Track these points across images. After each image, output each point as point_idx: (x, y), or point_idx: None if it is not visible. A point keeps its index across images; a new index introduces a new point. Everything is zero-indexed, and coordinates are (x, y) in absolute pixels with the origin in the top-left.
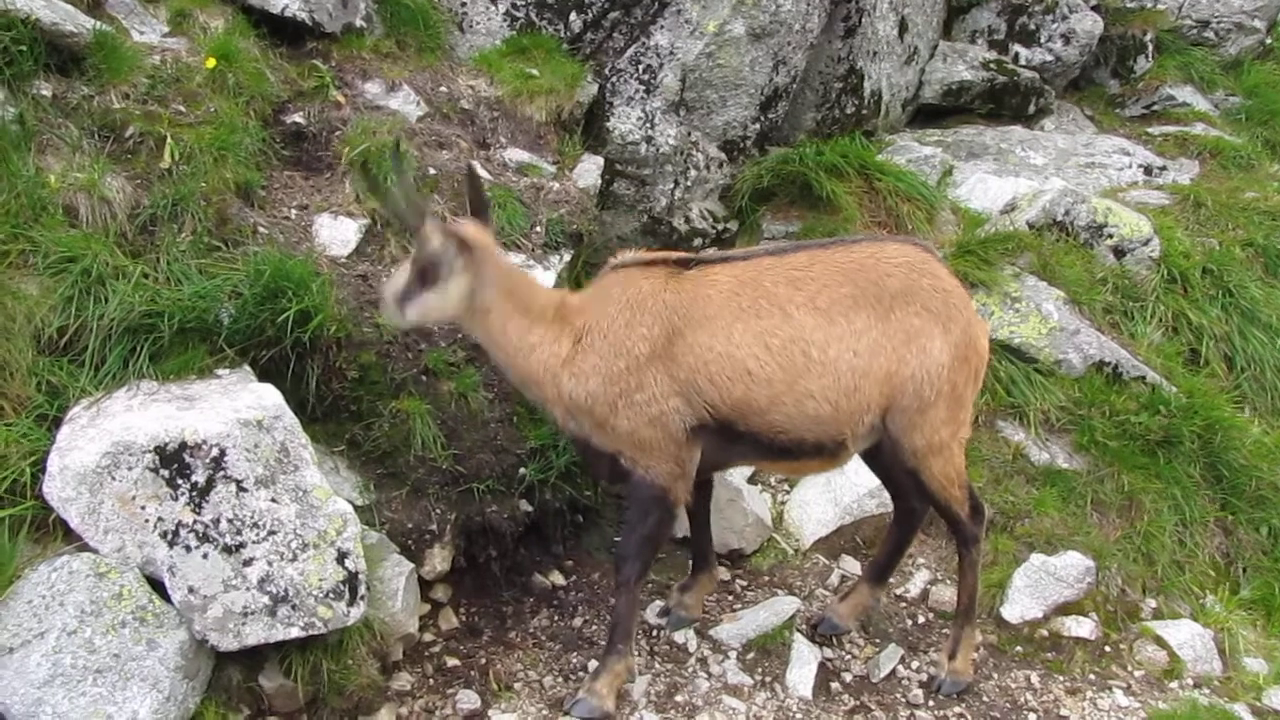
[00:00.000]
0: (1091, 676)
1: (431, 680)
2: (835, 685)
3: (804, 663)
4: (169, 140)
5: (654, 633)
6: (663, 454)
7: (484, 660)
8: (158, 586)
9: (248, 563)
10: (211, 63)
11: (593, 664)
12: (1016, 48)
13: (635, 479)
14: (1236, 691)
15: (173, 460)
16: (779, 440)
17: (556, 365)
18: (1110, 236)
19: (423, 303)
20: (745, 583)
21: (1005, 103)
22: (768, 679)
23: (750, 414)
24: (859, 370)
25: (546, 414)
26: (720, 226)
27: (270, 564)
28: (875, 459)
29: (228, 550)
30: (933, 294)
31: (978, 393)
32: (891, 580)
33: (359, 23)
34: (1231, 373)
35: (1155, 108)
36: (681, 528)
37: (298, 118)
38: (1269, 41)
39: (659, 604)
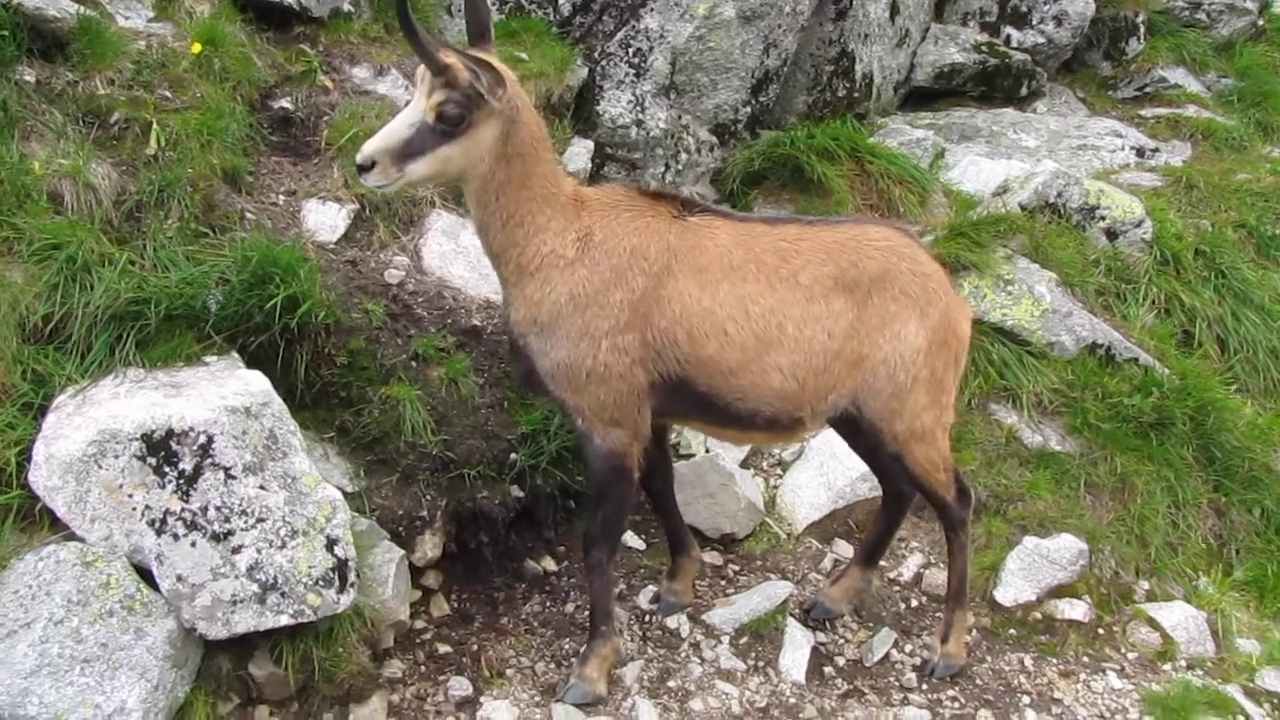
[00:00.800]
0: (1085, 659)
1: (423, 667)
2: (828, 669)
3: (797, 647)
4: (155, 126)
5: (646, 618)
6: (623, 412)
7: (475, 647)
8: (146, 575)
9: (236, 550)
10: (197, 48)
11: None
12: (1008, 30)
13: (594, 448)
14: (1229, 673)
15: (160, 448)
16: (734, 407)
17: (556, 261)
18: (1102, 219)
19: (436, 157)
20: (738, 567)
21: (997, 85)
22: (760, 663)
23: (716, 374)
24: (831, 352)
25: (504, 303)
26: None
27: (259, 551)
28: (859, 443)
29: (216, 538)
30: (911, 278)
31: (960, 377)
32: (884, 564)
33: (346, 7)
34: (1224, 354)
35: (1147, 90)
36: None
37: (285, 103)
38: (1261, 23)
39: (651, 589)
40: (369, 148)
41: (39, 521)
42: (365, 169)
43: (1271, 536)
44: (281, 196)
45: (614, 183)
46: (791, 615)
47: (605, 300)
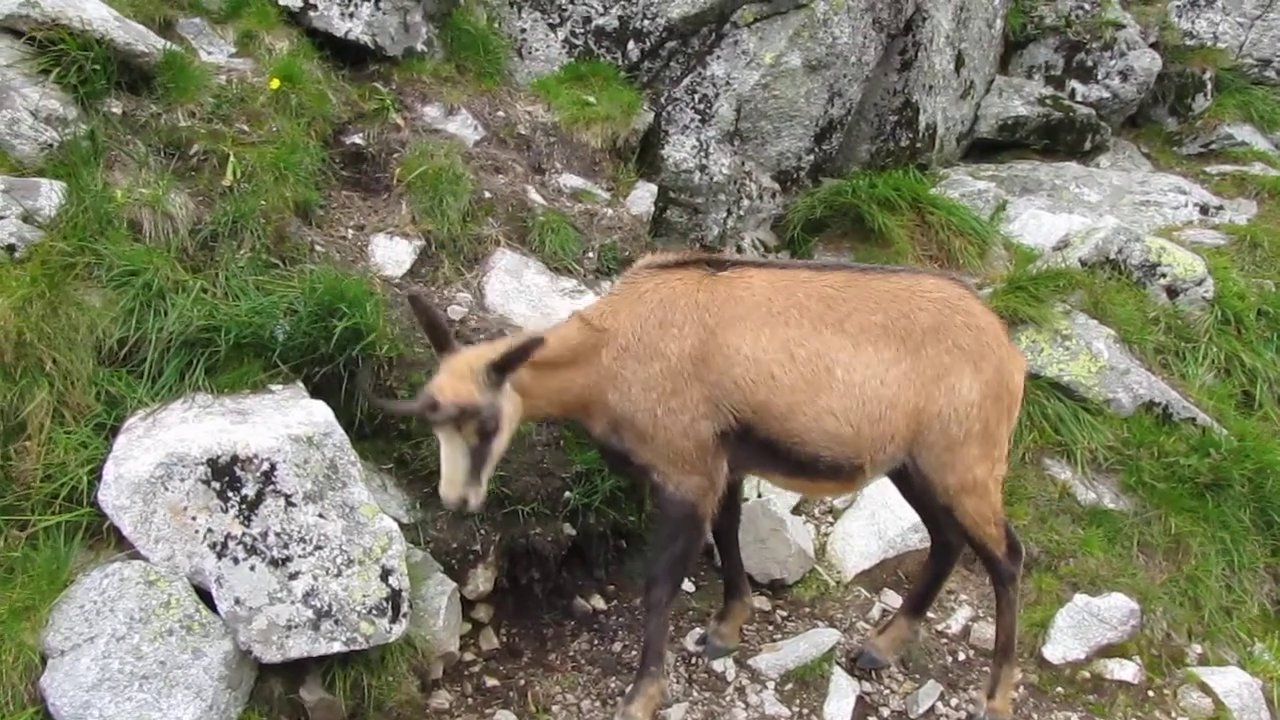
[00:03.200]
0: None
1: (470, 700)
2: (872, 719)
3: (842, 695)
4: (231, 158)
5: (692, 660)
6: (695, 465)
7: (523, 681)
8: (205, 596)
9: (293, 576)
10: (275, 83)
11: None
12: (1073, 84)
13: (666, 495)
14: None
15: (224, 473)
16: (795, 451)
17: (599, 385)
18: (1163, 276)
19: (495, 451)
20: (786, 613)
21: (1061, 139)
22: (805, 711)
23: (770, 419)
24: (885, 400)
25: (586, 427)
26: (772, 256)
27: (315, 578)
28: (910, 493)
29: (274, 563)
30: (965, 330)
31: (1013, 430)
32: (932, 616)
33: (420, 47)
34: None
35: (1213, 146)
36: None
37: (357, 139)
38: None
39: (698, 631)
40: (451, 494)
41: (106, 539)
42: (463, 506)
43: None
44: (350, 230)
45: (637, 264)
46: (838, 663)
47: (648, 374)
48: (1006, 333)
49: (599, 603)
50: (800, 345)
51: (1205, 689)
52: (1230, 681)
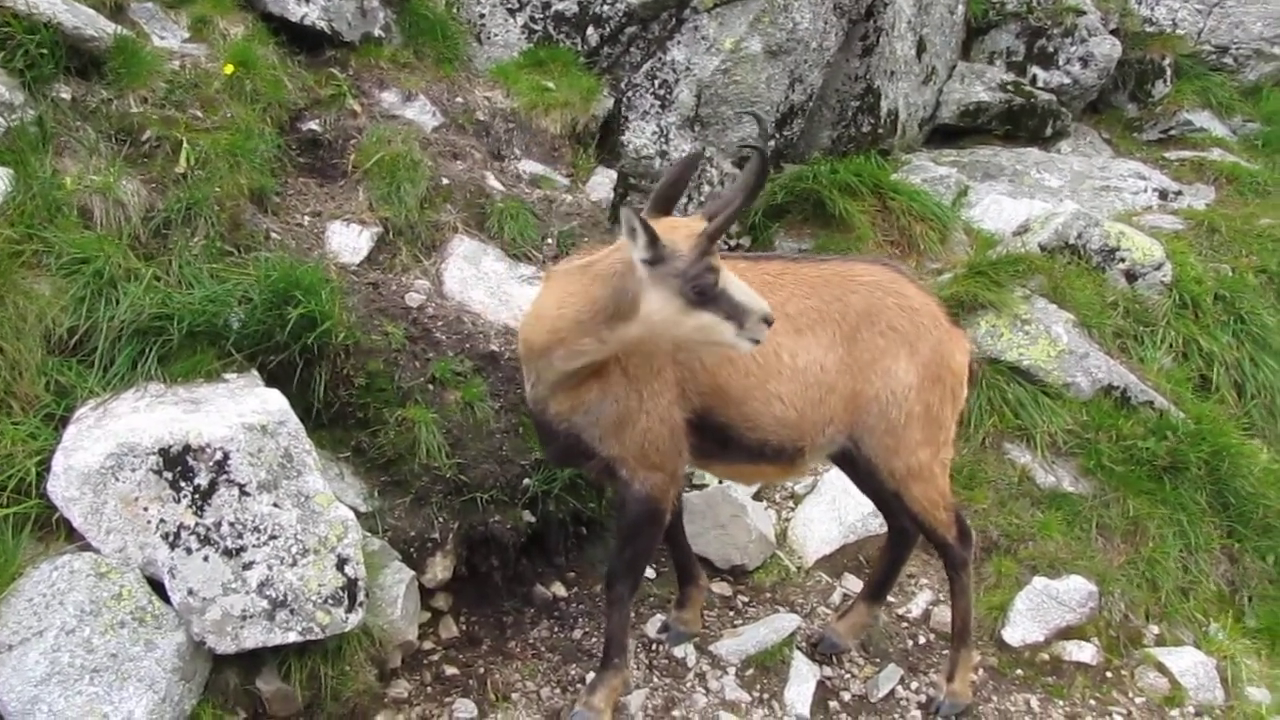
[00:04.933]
0: (1092, 702)
1: (429, 688)
2: (833, 704)
3: (802, 680)
4: (185, 145)
5: (653, 646)
6: (664, 457)
7: (483, 670)
8: (158, 588)
9: (248, 566)
10: (230, 69)
11: (590, 676)
12: (1035, 70)
13: (631, 492)
14: None
15: (176, 463)
16: (746, 436)
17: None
18: (1122, 260)
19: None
20: (747, 599)
21: (1022, 124)
22: (766, 696)
23: (728, 403)
24: (825, 385)
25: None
26: (733, 243)
27: (270, 568)
28: (859, 480)
29: (228, 553)
30: (898, 313)
31: (959, 412)
32: (893, 600)
33: (377, 32)
34: (1241, 400)
35: (1172, 132)
36: None
37: (314, 125)
38: None
39: (659, 618)
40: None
41: (55, 531)
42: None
43: None
44: (306, 217)
45: (590, 243)
46: (799, 648)
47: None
48: (945, 314)
49: (559, 590)
50: None
51: (1162, 669)
52: (1186, 661)
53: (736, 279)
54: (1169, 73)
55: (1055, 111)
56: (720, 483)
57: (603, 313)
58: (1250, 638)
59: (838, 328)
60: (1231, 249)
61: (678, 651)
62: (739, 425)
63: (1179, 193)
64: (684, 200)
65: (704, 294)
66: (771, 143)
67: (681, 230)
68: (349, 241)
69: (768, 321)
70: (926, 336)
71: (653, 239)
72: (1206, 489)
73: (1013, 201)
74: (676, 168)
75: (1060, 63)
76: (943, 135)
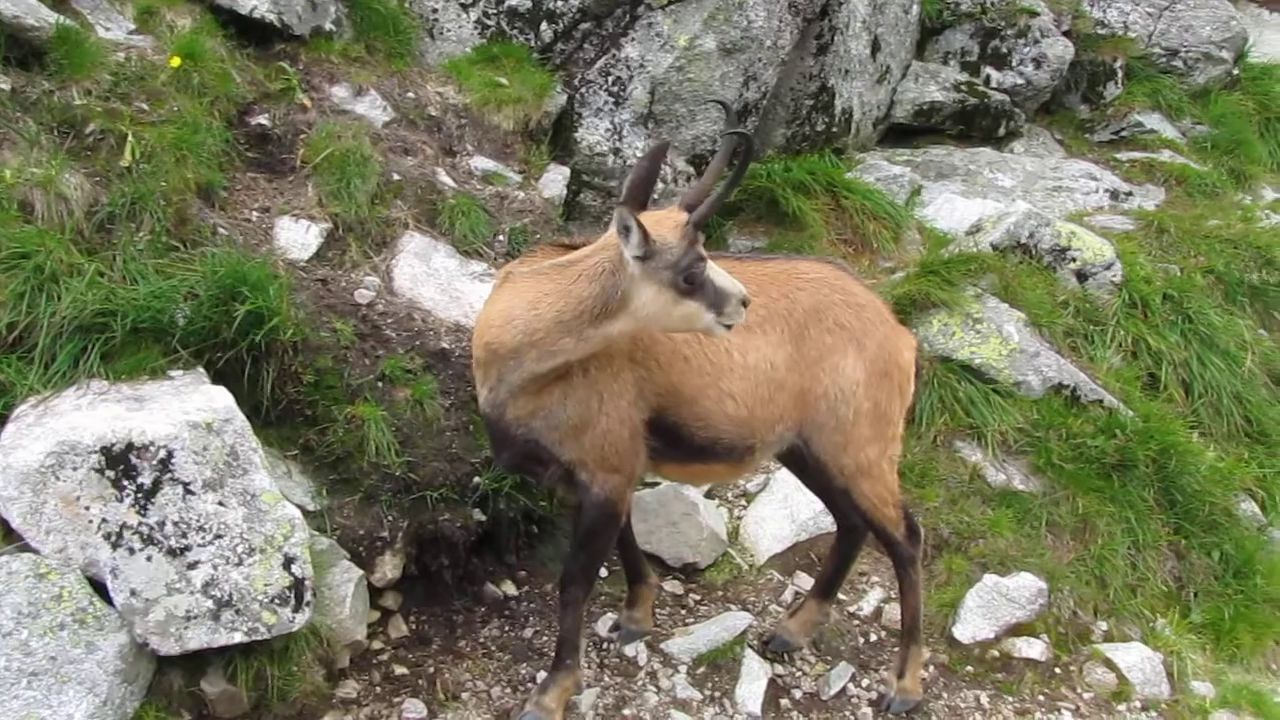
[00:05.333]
0: (1041, 698)
1: (378, 688)
2: (785, 702)
3: (754, 678)
4: (130, 138)
5: (604, 645)
6: (623, 459)
7: (432, 669)
8: (99, 589)
9: (192, 566)
10: (176, 61)
11: (541, 675)
12: (988, 70)
13: (591, 497)
14: (1183, 715)
15: (119, 461)
16: (699, 435)
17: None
18: (1073, 260)
19: None
20: (699, 597)
21: (976, 124)
22: (717, 694)
23: (681, 402)
24: (775, 382)
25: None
26: None
27: (215, 568)
28: (808, 479)
29: (172, 553)
30: (845, 309)
31: (906, 408)
32: (844, 598)
33: (328, 26)
34: (1189, 398)
35: (1124, 134)
36: (640, 542)
37: (263, 119)
38: (1235, 72)
39: (610, 617)
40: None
41: None
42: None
43: (1229, 580)
44: (255, 213)
45: (542, 243)
46: (750, 646)
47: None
48: (890, 311)
49: (510, 589)
50: None
51: (1110, 665)
52: (1133, 657)
53: (715, 265)
54: (1120, 75)
55: (1008, 112)
56: None
57: (589, 311)
58: (1196, 633)
59: (786, 325)
60: (1180, 249)
61: (629, 650)
62: (691, 424)
63: (1129, 193)
64: None
65: (692, 283)
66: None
67: (666, 223)
68: (298, 237)
69: (744, 304)
70: (873, 333)
71: (646, 236)
72: (1154, 486)
73: (965, 201)
74: (645, 161)
75: (1013, 63)
76: (897, 135)
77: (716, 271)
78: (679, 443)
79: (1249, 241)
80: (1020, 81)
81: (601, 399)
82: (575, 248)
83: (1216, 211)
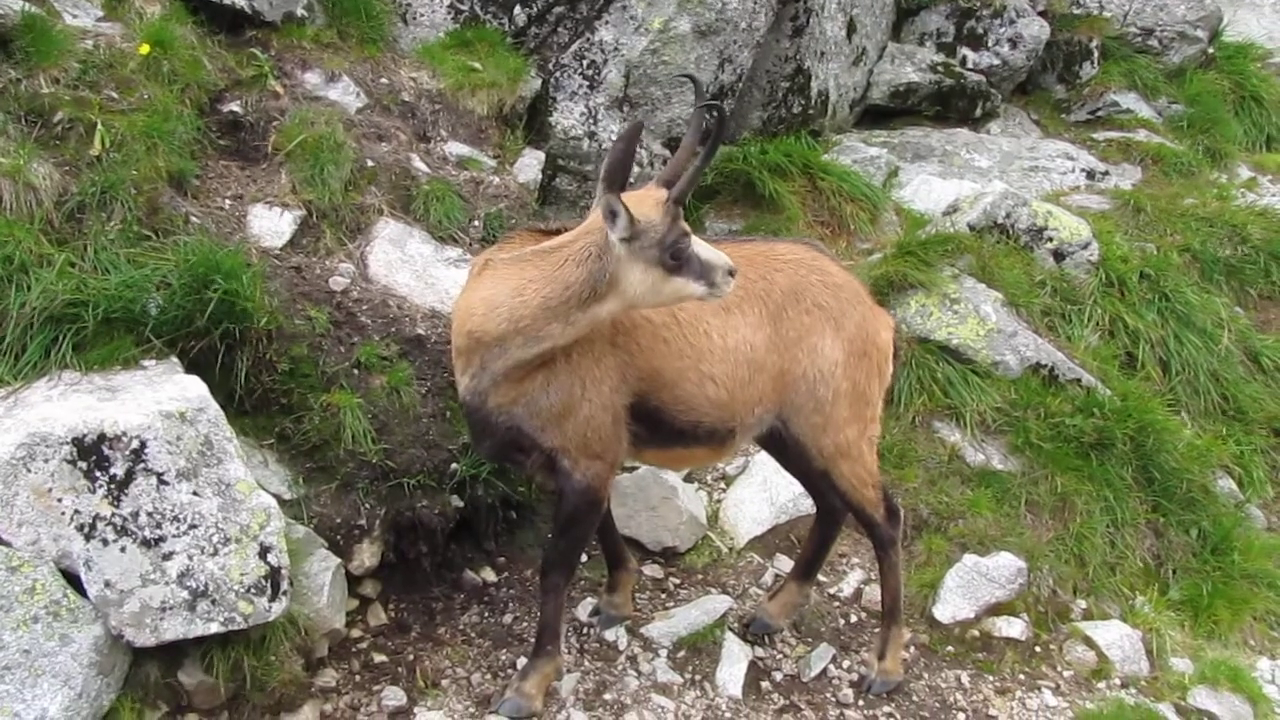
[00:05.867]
0: (1021, 676)
1: (358, 677)
2: (765, 684)
3: (734, 661)
4: (100, 127)
5: (584, 630)
6: (606, 446)
7: (411, 657)
8: (73, 581)
9: (167, 557)
10: (146, 49)
11: (521, 661)
12: (964, 51)
13: (572, 483)
14: (1162, 691)
15: (91, 452)
16: (680, 419)
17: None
18: (1050, 240)
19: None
20: (678, 581)
21: (952, 105)
22: (698, 677)
23: (661, 386)
24: (754, 364)
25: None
26: None
27: (191, 558)
28: (788, 461)
29: (147, 544)
30: (823, 290)
31: (885, 389)
32: (824, 580)
33: (300, 12)
34: (1166, 376)
35: (1100, 113)
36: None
37: (235, 107)
38: (1211, 51)
39: (590, 602)
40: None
41: None
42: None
43: (1207, 557)
44: (228, 201)
45: (519, 229)
46: (730, 629)
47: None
48: (867, 291)
49: (489, 575)
50: (681, 310)
51: (1089, 642)
52: (1113, 634)
53: (697, 239)
54: (1096, 55)
55: (985, 93)
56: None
57: (577, 296)
58: (1174, 610)
59: (764, 306)
60: (1157, 228)
61: (609, 635)
62: (673, 408)
63: (1106, 173)
64: None
65: (678, 258)
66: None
67: (648, 202)
68: (271, 225)
69: (731, 274)
70: (851, 313)
71: (631, 218)
72: (1132, 465)
73: (942, 182)
74: (621, 142)
75: (989, 44)
76: (873, 116)
77: (700, 245)
78: (660, 427)
79: (1225, 220)
80: (996, 62)
81: (584, 385)
82: (552, 233)
83: (1192, 190)
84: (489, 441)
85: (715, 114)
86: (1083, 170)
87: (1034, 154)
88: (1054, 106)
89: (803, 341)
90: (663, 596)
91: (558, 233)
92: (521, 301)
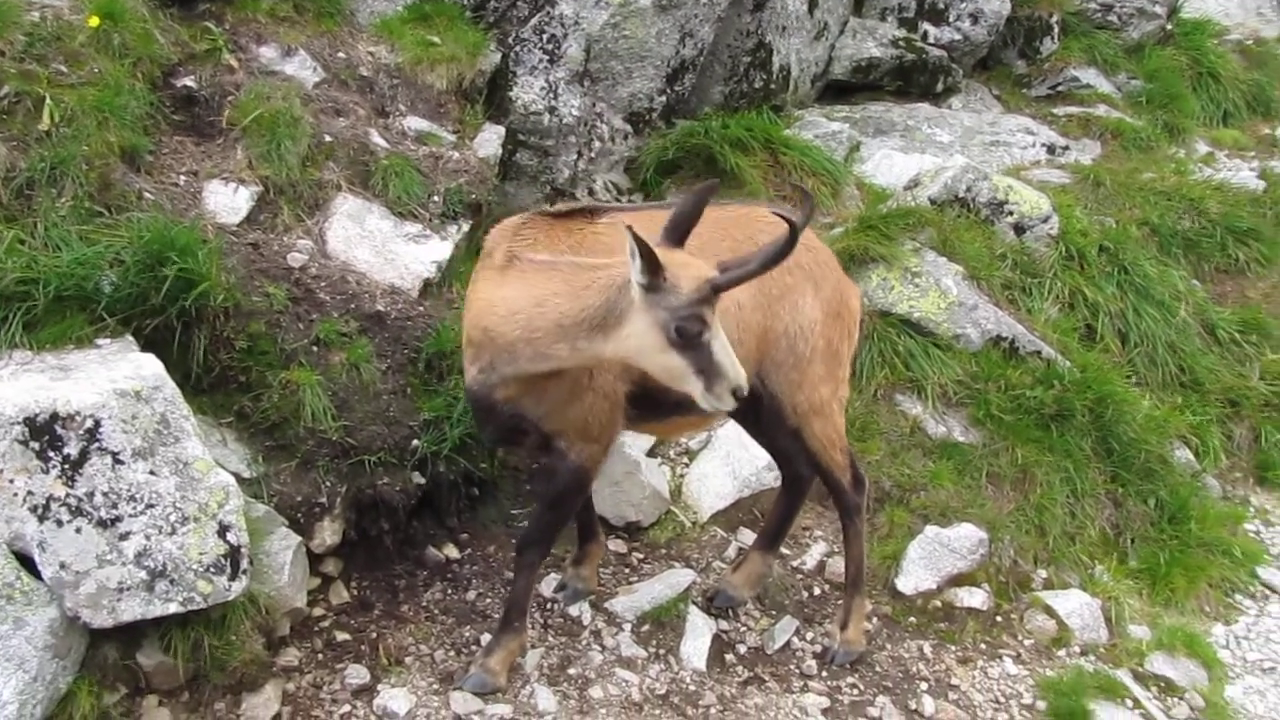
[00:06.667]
0: (983, 646)
1: (320, 655)
2: (729, 657)
3: (698, 635)
4: (48, 101)
5: (548, 605)
6: (604, 430)
7: (374, 634)
8: (26, 563)
9: (124, 537)
10: (95, 21)
11: (486, 638)
12: (926, 26)
13: (566, 464)
14: (1121, 658)
15: (44, 432)
16: (675, 395)
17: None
18: (1010, 213)
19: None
20: (642, 555)
21: (914, 80)
22: (662, 651)
23: None
24: (743, 324)
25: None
26: (625, 199)
27: (148, 538)
28: (757, 424)
29: (102, 524)
30: (804, 251)
31: (853, 352)
32: (787, 552)
33: None
34: (1125, 348)
35: (1060, 88)
36: None
37: (189, 81)
38: (1169, 27)
39: (555, 577)
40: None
41: None
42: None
43: (1165, 526)
44: (182, 177)
45: (526, 214)
46: (694, 603)
47: None
48: (836, 260)
49: (452, 552)
50: None
51: (1049, 611)
52: (1072, 603)
53: (726, 342)
54: (1056, 30)
55: (946, 68)
56: None
57: (587, 321)
58: (1133, 578)
59: None
60: (1116, 202)
61: (573, 610)
62: (670, 390)
63: (1066, 148)
64: (574, 157)
65: (685, 338)
66: (663, 98)
67: (691, 269)
68: (227, 201)
69: (736, 394)
70: (828, 275)
71: (654, 266)
72: (1092, 436)
73: (904, 156)
74: (692, 196)
75: (951, 19)
76: (835, 91)
77: (724, 349)
78: (657, 407)
79: (1182, 194)
80: (958, 37)
81: (591, 375)
82: (561, 216)
83: (1151, 165)
84: (492, 427)
85: (791, 228)
86: (1043, 145)
87: (995, 129)
88: (1015, 82)
89: (785, 298)
90: (626, 571)
91: (569, 217)
92: (540, 313)
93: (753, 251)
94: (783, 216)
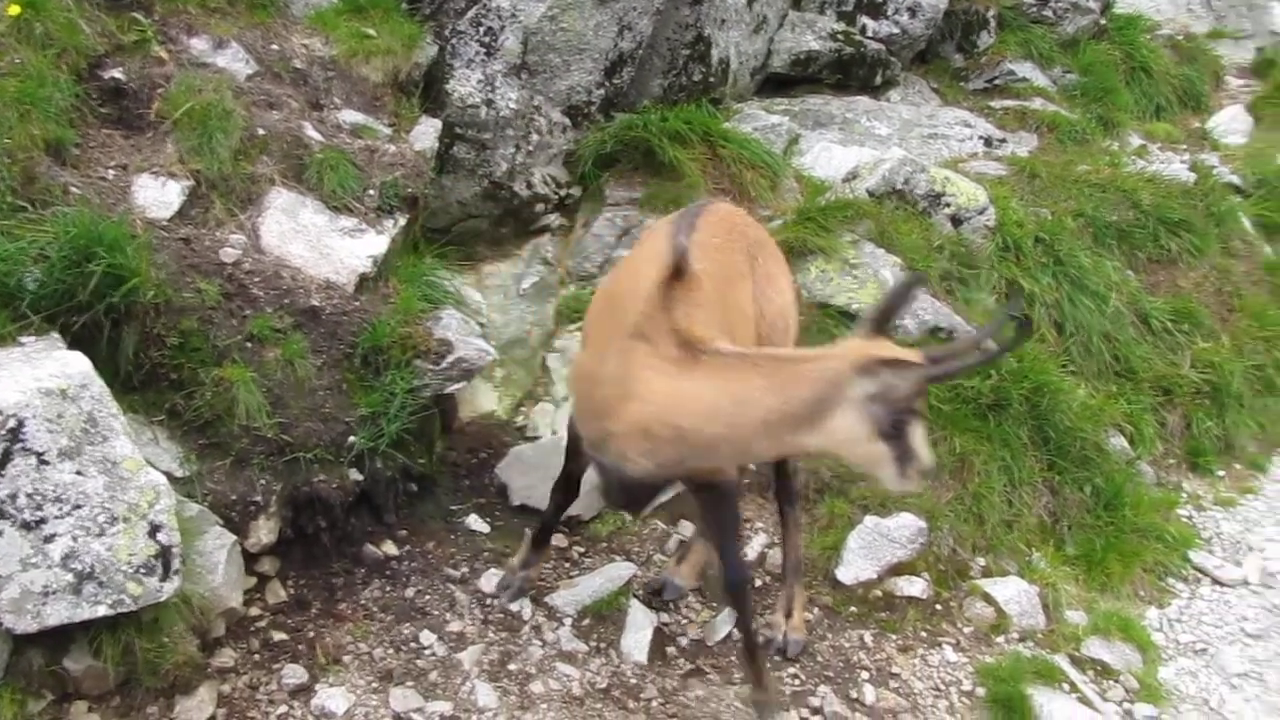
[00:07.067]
0: (923, 634)
1: (257, 656)
2: (671, 649)
3: (639, 628)
4: None
5: (487, 602)
6: None
7: (312, 634)
8: None
9: (49, 539)
10: (16, 10)
11: (425, 634)
12: (864, 19)
13: (725, 487)
14: (1058, 643)
15: None
16: None
17: None
18: (948, 205)
19: None
20: (583, 549)
21: (853, 73)
22: (602, 645)
23: None
24: (748, 317)
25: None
26: (563, 192)
27: (75, 540)
28: None
29: (26, 526)
30: (770, 242)
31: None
32: None
33: None
34: (1060, 338)
35: (997, 82)
36: (521, 497)
37: (116, 73)
38: (1103, 22)
39: (496, 573)
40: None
41: None
42: None
43: (1100, 513)
44: (111, 171)
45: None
46: (635, 596)
47: None
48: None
49: (390, 549)
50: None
51: (988, 599)
52: (1010, 590)
53: (920, 427)
54: (993, 24)
55: (885, 61)
56: (553, 433)
57: (794, 417)
58: (1069, 565)
59: (747, 259)
60: (1051, 194)
61: (513, 605)
62: None
63: (1003, 140)
64: (512, 150)
65: (898, 431)
66: (601, 92)
67: (906, 364)
68: (157, 195)
69: (924, 474)
70: (787, 265)
71: (874, 366)
72: (1028, 424)
73: (843, 149)
74: (894, 291)
75: (889, 13)
76: (774, 84)
77: (920, 435)
78: None
79: (1116, 186)
80: (896, 30)
81: None
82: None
83: (1086, 157)
84: (643, 501)
85: (1022, 327)
86: (980, 137)
87: (933, 121)
88: (953, 75)
89: (772, 283)
90: (567, 565)
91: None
92: (743, 410)
93: (964, 342)
94: (1015, 317)
